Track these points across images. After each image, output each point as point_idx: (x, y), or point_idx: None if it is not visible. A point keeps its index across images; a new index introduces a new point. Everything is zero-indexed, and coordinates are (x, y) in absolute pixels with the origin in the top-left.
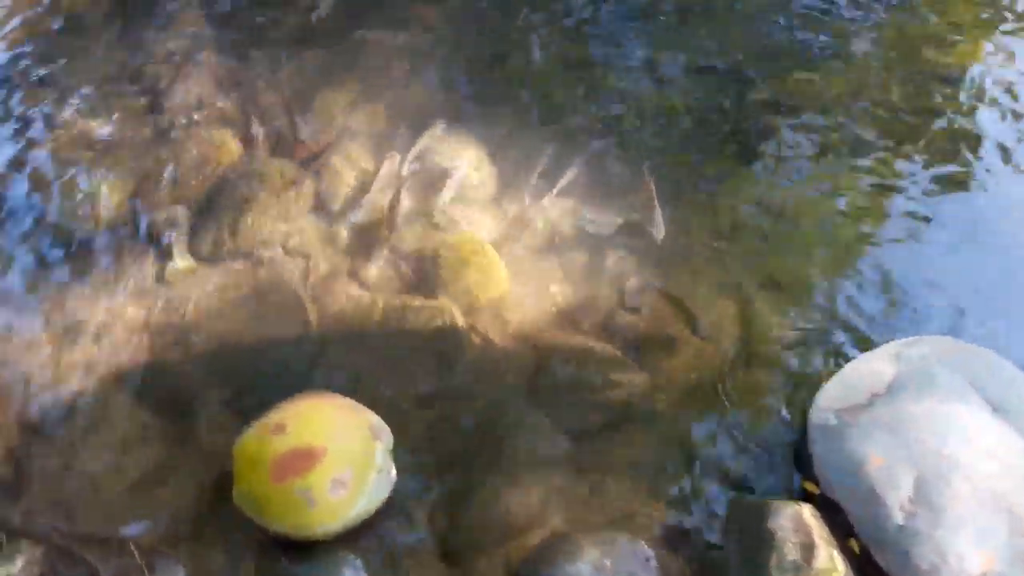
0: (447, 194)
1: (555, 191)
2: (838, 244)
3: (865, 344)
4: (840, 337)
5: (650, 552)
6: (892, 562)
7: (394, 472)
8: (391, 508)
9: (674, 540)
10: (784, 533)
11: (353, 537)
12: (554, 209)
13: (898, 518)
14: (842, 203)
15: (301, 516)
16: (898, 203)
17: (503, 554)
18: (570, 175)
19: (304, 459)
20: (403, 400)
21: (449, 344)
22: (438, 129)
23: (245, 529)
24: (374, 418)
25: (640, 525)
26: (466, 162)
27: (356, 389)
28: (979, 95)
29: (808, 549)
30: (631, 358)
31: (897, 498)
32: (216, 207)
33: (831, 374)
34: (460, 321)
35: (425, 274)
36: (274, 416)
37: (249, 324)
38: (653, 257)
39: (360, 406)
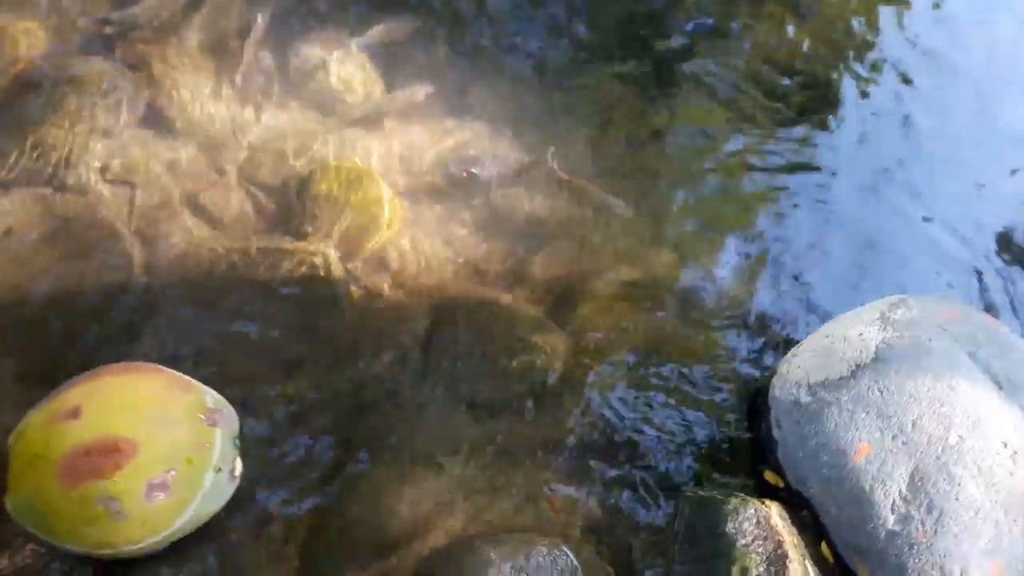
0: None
1: (459, 115)
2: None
3: (829, 301)
4: (801, 292)
5: (574, 561)
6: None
7: (240, 466)
8: (236, 513)
9: (605, 544)
10: (747, 540)
11: (180, 553)
12: (457, 135)
13: (889, 522)
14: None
15: (104, 532)
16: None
17: (381, 571)
18: (476, 96)
19: (107, 456)
20: (260, 371)
21: (322, 298)
22: (307, 23)
23: (20, 547)
24: (211, 397)
25: (561, 524)
26: (339, 55)
27: (198, 358)
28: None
29: (778, 562)
30: (548, 315)
31: (888, 497)
32: (10, 117)
33: (792, 341)
34: (337, 269)
35: (292, 209)
36: (68, 395)
37: (53, 270)
38: (568, 197)
39: (190, 380)
